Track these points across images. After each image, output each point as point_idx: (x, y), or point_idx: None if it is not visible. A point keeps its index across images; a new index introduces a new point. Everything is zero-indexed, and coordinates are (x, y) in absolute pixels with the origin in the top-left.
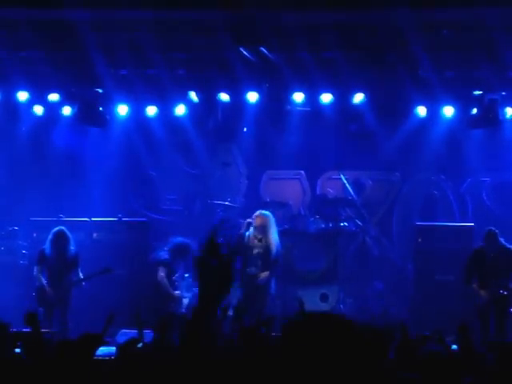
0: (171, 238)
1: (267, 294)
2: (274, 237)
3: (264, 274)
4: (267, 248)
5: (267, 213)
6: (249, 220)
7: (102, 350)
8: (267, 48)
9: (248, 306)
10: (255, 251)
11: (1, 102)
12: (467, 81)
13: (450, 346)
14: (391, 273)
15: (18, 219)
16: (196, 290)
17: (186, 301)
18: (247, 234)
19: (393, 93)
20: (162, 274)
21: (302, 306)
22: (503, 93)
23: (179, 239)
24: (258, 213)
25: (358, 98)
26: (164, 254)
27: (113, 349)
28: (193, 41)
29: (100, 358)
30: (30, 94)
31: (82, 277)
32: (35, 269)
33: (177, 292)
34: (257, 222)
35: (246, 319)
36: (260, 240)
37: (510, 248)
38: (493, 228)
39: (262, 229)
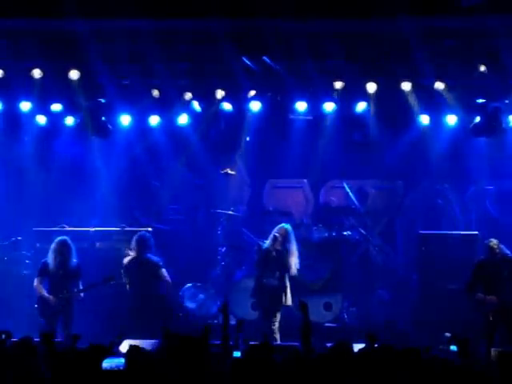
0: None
1: (281, 306)
2: (292, 250)
3: (289, 295)
4: (285, 259)
5: (286, 226)
6: (275, 234)
7: (110, 361)
8: (270, 57)
9: (263, 316)
10: (273, 263)
11: (4, 112)
12: (470, 89)
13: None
14: (395, 281)
15: (22, 229)
16: (200, 297)
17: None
18: (270, 246)
19: (396, 101)
20: (166, 274)
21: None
22: (506, 101)
23: (140, 237)
24: (278, 226)
25: (361, 106)
26: (155, 257)
27: (121, 360)
28: (195, 50)
29: (108, 369)
30: (33, 104)
31: (81, 288)
32: (35, 280)
33: None
34: (278, 235)
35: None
36: (277, 251)
37: None
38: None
39: (281, 241)
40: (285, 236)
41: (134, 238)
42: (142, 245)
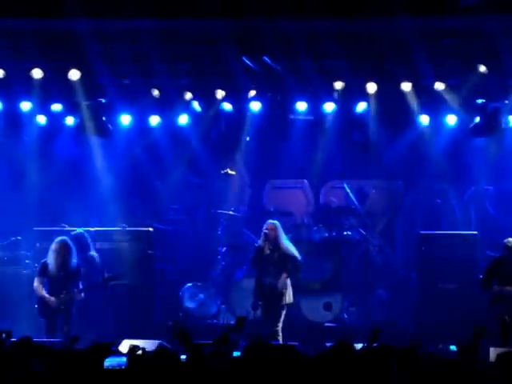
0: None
1: (284, 305)
2: (285, 244)
3: (290, 293)
4: (280, 256)
5: (274, 221)
6: (265, 231)
7: (111, 360)
8: (270, 57)
9: (264, 315)
10: (269, 261)
11: (4, 112)
12: (470, 89)
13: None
14: (394, 281)
15: (21, 229)
16: (200, 297)
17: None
18: (262, 244)
19: (396, 101)
20: None
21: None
22: (506, 101)
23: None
24: (266, 223)
25: (361, 106)
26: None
27: (122, 359)
28: (196, 50)
29: (110, 368)
30: (33, 104)
31: (81, 288)
32: (35, 280)
33: None
34: (267, 231)
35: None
36: (271, 249)
37: None
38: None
39: (272, 238)
40: (274, 231)
41: (72, 236)
42: (81, 244)
